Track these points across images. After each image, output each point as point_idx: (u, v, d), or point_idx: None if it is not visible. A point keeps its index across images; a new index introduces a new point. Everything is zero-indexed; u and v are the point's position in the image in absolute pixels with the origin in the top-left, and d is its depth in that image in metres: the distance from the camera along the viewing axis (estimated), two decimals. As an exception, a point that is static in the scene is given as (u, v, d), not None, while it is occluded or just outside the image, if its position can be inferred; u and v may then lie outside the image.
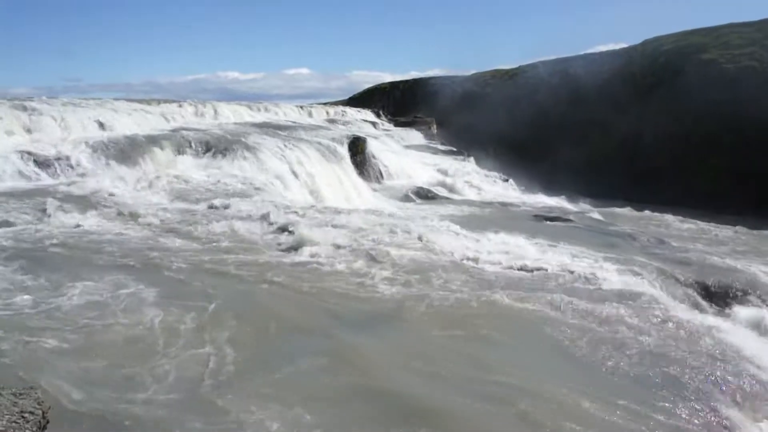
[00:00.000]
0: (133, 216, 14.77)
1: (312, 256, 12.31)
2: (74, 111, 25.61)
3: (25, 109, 23.62)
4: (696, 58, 48.16)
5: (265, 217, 15.11)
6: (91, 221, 13.92)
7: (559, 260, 13.51)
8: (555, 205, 30.26)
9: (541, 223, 22.48)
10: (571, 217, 24.14)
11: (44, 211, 14.11)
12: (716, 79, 44.12)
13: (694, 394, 7.79)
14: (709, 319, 10.99)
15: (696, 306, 12.55)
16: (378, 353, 8.15)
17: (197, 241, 12.93)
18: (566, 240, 16.96)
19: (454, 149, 48.68)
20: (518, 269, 12.66)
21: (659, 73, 50.17)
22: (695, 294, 13.25)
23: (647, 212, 31.09)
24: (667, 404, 7.46)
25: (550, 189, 38.24)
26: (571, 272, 12.42)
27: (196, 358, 7.50)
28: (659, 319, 10.08)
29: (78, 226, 13.45)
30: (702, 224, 27.26)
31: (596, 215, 26.07)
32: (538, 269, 12.66)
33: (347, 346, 8.27)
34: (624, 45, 61.19)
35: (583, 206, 31.78)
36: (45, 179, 18.83)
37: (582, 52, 62.20)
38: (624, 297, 11.02)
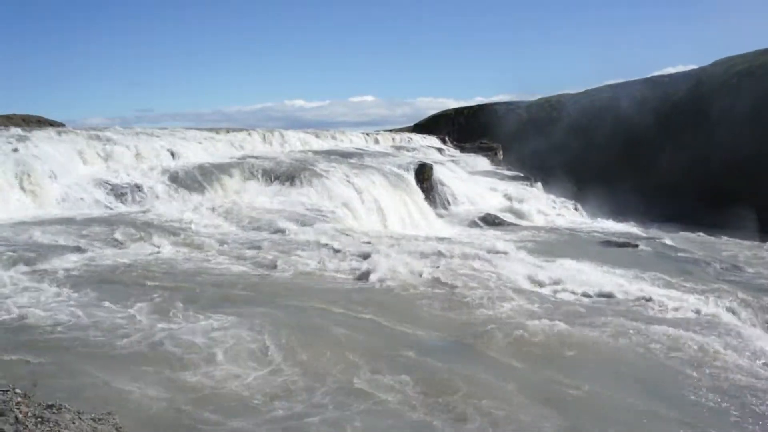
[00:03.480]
0: (207, 244, 15.07)
1: (382, 281, 12.38)
2: (147, 140, 26.32)
3: (100, 138, 24.42)
4: (770, 78, 46.97)
5: (333, 244, 15.26)
6: (167, 249, 14.27)
7: (631, 287, 13.27)
8: (624, 231, 29.70)
9: (610, 248, 22.12)
10: (640, 242, 23.67)
11: (119, 238, 14.52)
12: (792, 99, 42.99)
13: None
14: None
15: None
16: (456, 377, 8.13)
17: (273, 269, 13.12)
18: (637, 266, 16.66)
19: (521, 175, 48.29)
20: (587, 296, 12.47)
21: (731, 93, 49.01)
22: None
23: (720, 237, 30.27)
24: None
25: (619, 214, 37.61)
26: (645, 299, 12.17)
27: (270, 383, 7.58)
28: (742, 350, 9.75)
29: (155, 252, 13.80)
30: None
31: (667, 240, 25.48)
32: (609, 296, 12.47)
33: (428, 371, 8.29)
34: (694, 66, 60.13)
35: (653, 231, 31.12)
36: (120, 207, 19.42)
37: (650, 74, 61.40)
38: (702, 326, 10.73)
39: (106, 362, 7.69)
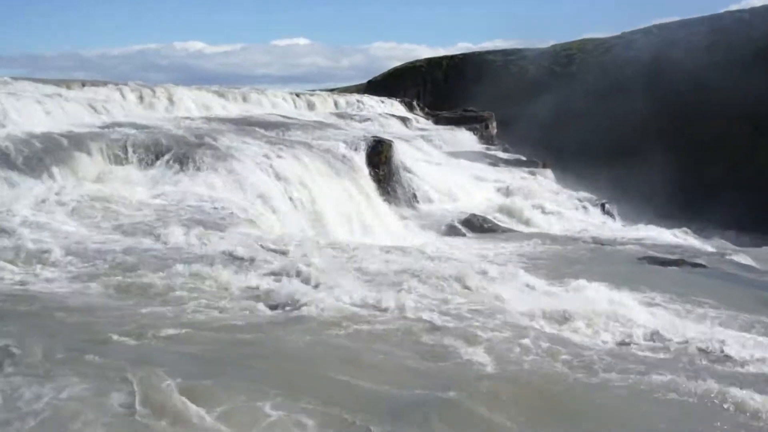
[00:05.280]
0: (46, 259, 14.67)
1: (321, 313, 12.17)
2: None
3: None
4: None
5: (244, 258, 15.07)
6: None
7: (688, 327, 13.21)
8: (676, 243, 29.95)
9: (656, 268, 22.17)
10: (702, 260, 23.76)
11: None
12: None
13: None
14: None
15: None
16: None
17: (142, 296, 12.81)
18: (696, 296, 16.64)
19: (523, 158, 48.62)
20: (625, 342, 12.40)
21: None
22: None
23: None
24: None
25: (668, 218, 37.96)
26: (711, 347, 12.08)
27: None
28: None
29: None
30: None
31: (742, 258, 25.58)
32: (653, 340, 12.40)
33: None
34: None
35: (721, 244, 31.39)
36: None
37: (721, 10, 61.29)
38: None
39: None
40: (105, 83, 36.82)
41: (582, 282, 15.95)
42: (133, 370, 9.08)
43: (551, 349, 11.57)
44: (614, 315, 13.59)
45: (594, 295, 15.04)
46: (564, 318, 13.32)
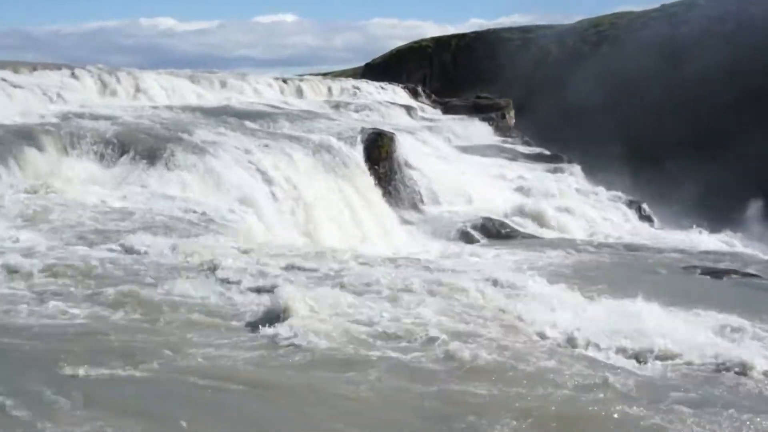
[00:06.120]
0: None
1: (298, 339, 11.96)
2: None
3: None
4: None
5: (221, 270, 14.99)
6: None
7: (744, 352, 13.06)
8: (724, 250, 29.89)
9: (707, 280, 22.13)
10: (756, 270, 23.69)
11: None
12: None
13: None
14: None
15: None
16: None
17: (98, 311, 12.70)
18: (752, 313, 16.52)
19: (546, 152, 48.60)
20: (679, 367, 12.22)
21: None
22: None
23: None
24: None
25: (715, 221, 37.75)
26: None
27: None
28: None
29: None
30: None
31: (800, 267, 25.57)
32: (707, 365, 12.25)
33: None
34: None
35: (772, 250, 31.26)
36: None
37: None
38: None
39: None
40: (59, 66, 36.77)
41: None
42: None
43: (581, 370, 11.39)
44: (656, 333, 13.42)
45: (633, 310, 14.86)
46: (596, 336, 13.16)
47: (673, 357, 12.42)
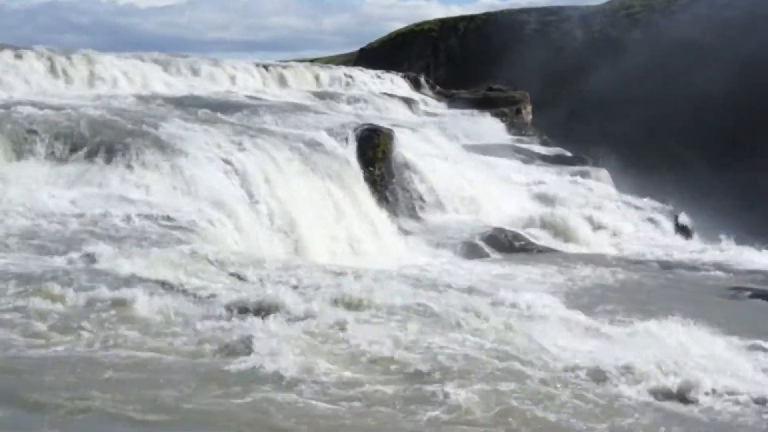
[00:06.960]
0: None
1: (279, 371, 11.76)
2: None
3: None
4: None
5: (189, 284, 14.84)
6: None
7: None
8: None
9: (758, 304, 22.09)
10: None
11: None
12: None
13: None
14: None
15: None
16: None
17: (50, 335, 12.47)
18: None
19: (567, 153, 48.69)
20: (740, 403, 12.07)
21: None
22: None
23: None
24: None
25: (756, 234, 37.67)
26: None
27: None
28: None
29: None
30: None
31: None
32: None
33: None
34: None
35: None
36: None
37: None
38: None
39: None
40: (1, 47, 36.66)
41: (652, 323, 15.56)
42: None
43: (616, 408, 11.26)
44: (702, 365, 13.33)
45: (674, 340, 14.78)
46: (629, 368, 13.00)
47: (724, 394, 12.28)
